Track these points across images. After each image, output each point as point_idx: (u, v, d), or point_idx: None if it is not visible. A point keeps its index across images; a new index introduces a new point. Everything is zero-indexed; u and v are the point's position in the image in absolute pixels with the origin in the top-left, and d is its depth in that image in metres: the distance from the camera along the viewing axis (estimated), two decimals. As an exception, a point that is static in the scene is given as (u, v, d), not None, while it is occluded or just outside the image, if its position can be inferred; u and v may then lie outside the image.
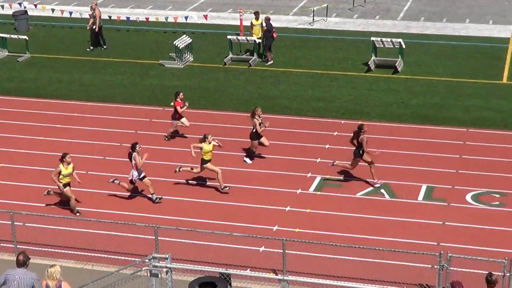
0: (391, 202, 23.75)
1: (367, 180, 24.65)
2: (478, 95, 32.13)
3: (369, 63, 35.25)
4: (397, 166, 25.81)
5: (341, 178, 25.15)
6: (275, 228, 22.32)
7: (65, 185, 22.71)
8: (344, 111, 30.68)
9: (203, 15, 41.67)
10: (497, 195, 24.02)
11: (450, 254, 18.38)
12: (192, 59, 36.73)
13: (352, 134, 24.58)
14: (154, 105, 31.46)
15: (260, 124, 25.72)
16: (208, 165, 24.00)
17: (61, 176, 22.61)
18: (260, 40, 36.47)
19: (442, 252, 18.33)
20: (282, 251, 19.18)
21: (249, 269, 19.98)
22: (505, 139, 27.94)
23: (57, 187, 22.76)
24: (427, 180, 24.94)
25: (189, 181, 24.92)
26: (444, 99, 31.77)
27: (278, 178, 25.20)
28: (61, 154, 22.93)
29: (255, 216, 23.00)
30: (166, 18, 40.73)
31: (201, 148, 23.79)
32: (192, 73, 35.18)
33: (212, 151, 24.04)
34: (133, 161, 23.18)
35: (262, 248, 20.99)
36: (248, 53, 37.05)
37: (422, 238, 21.64)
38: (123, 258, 20.54)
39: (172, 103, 27.66)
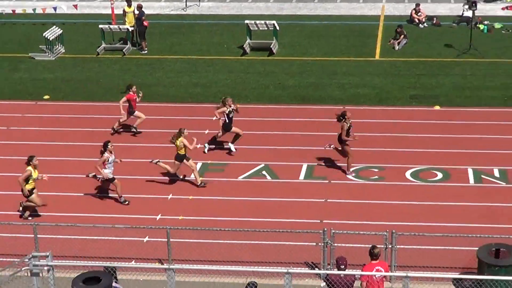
0: (273, 183, 23.77)
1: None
2: (352, 73, 32.60)
3: (244, 46, 35.23)
4: (277, 147, 25.86)
5: (223, 162, 25.04)
6: (158, 217, 21.99)
7: (32, 190, 21.66)
8: (221, 96, 30.47)
9: (73, 5, 40.72)
10: (376, 170, 24.40)
11: (333, 231, 18.55)
12: (64, 51, 35.82)
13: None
14: (26, 99, 30.46)
15: (230, 112, 25.18)
16: (188, 161, 23.46)
17: (30, 181, 21.55)
18: (133, 28, 35.90)
19: (325, 229, 18.48)
20: (166, 240, 18.90)
21: (134, 260, 19.62)
22: (379, 115, 28.42)
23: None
24: (307, 159, 25.09)
25: (64, 176, 24.25)
26: (320, 79, 32.09)
27: (159, 166, 24.77)
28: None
29: (137, 206, 22.58)
30: (34, 10, 39.57)
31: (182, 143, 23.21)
32: (64, 65, 34.28)
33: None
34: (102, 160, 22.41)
35: (146, 238, 20.63)
36: (121, 42, 36.41)
37: (306, 216, 21.75)
38: (1, 259, 19.76)
39: (139, 96, 26.87)
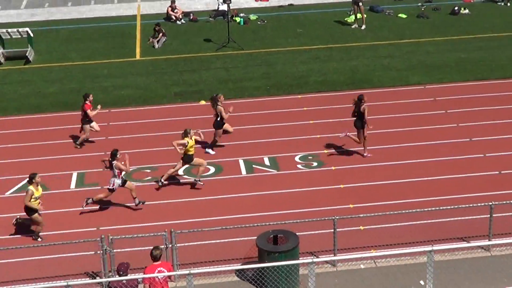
0: (44, 196, 22.54)
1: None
2: (114, 75, 32.08)
3: (-3, 56, 33.77)
4: (43, 158, 24.86)
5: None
6: None
7: (35, 210, 19.99)
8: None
9: None
10: (149, 170, 24.08)
11: (111, 237, 18.05)
12: None
13: (353, 106, 23.82)
14: None
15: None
16: (196, 160, 22.82)
17: (32, 200, 19.87)
18: None
19: (103, 236, 17.93)
20: None
21: None
22: (145, 115, 28.11)
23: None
24: (77, 167, 24.31)
25: None
26: (82, 83, 31.29)
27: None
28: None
29: None
30: None
31: (185, 144, 22.30)
32: None
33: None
34: (116, 170, 21.32)
35: None
36: None
37: (81, 226, 21.06)
38: None
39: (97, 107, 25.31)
